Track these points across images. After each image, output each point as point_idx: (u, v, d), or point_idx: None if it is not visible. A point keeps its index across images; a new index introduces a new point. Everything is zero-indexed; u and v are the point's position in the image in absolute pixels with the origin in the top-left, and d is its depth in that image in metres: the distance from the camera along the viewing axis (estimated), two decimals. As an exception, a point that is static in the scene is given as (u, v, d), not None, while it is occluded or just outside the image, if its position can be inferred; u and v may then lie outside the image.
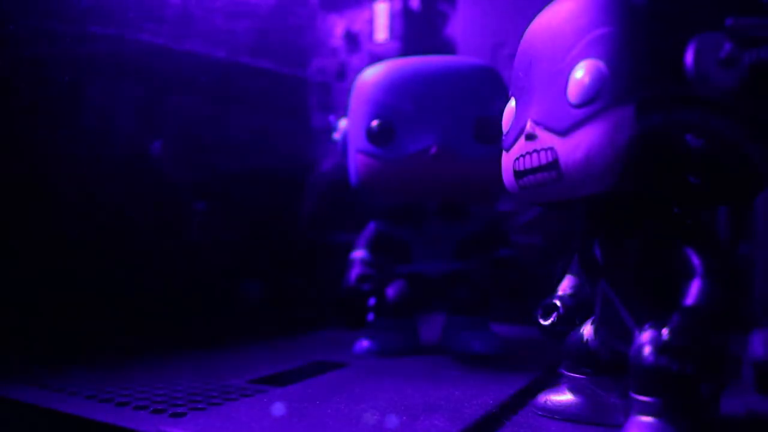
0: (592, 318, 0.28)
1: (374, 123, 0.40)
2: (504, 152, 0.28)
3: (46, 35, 0.42)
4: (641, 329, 0.24)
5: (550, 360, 0.33)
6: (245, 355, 0.44)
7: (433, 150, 0.39)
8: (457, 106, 0.40)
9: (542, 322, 0.30)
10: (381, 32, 0.70)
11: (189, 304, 0.48)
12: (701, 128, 0.23)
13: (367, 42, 0.70)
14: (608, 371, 0.28)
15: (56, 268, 0.42)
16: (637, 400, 0.23)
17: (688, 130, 0.23)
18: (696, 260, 0.23)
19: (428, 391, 0.32)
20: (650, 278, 0.25)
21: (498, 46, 0.66)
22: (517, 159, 0.26)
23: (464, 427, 0.26)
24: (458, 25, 0.71)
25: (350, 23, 0.71)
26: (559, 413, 0.29)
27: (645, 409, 0.23)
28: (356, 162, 0.42)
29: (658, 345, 0.22)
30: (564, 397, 0.29)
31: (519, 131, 0.26)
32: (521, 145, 0.26)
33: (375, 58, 0.59)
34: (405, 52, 0.68)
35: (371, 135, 0.40)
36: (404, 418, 0.28)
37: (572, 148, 0.24)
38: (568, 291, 0.30)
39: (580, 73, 0.23)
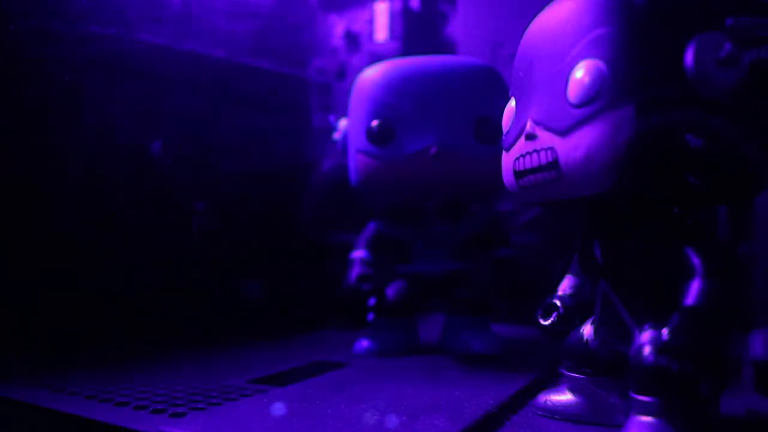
0: (592, 318, 0.28)
1: (374, 123, 0.40)
2: (504, 152, 0.28)
3: (46, 35, 0.42)
4: (641, 329, 0.24)
5: (550, 360, 0.33)
6: (245, 355, 0.44)
7: (433, 150, 0.39)
8: (457, 106, 0.40)
9: (542, 322, 0.30)
10: (381, 32, 0.70)
11: (189, 303, 0.48)
12: (701, 128, 0.23)
13: (367, 42, 0.70)
14: (608, 371, 0.28)
15: (56, 268, 0.42)
16: (637, 400, 0.23)
17: (688, 130, 0.23)
18: (696, 260, 0.23)
19: (428, 391, 0.32)
20: (650, 278, 0.25)
21: (498, 46, 0.66)
22: (517, 159, 0.26)
23: (464, 427, 0.26)
24: (458, 25, 0.71)
25: (350, 23, 0.72)
26: (559, 413, 0.29)
27: (645, 409, 0.23)
28: (356, 162, 0.42)
29: (658, 345, 0.22)
30: (564, 397, 0.29)
31: (519, 131, 0.26)
32: (521, 145, 0.26)
33: (375, 58, 0.59)
34: (405, 52, 0.68)
35: (371, 135, 0.40)
36: (404, 418, 0.28)
37: (572, 148, 0.24)
38: (568, 291, 0.30)
39: (580, 73, 0.23)
